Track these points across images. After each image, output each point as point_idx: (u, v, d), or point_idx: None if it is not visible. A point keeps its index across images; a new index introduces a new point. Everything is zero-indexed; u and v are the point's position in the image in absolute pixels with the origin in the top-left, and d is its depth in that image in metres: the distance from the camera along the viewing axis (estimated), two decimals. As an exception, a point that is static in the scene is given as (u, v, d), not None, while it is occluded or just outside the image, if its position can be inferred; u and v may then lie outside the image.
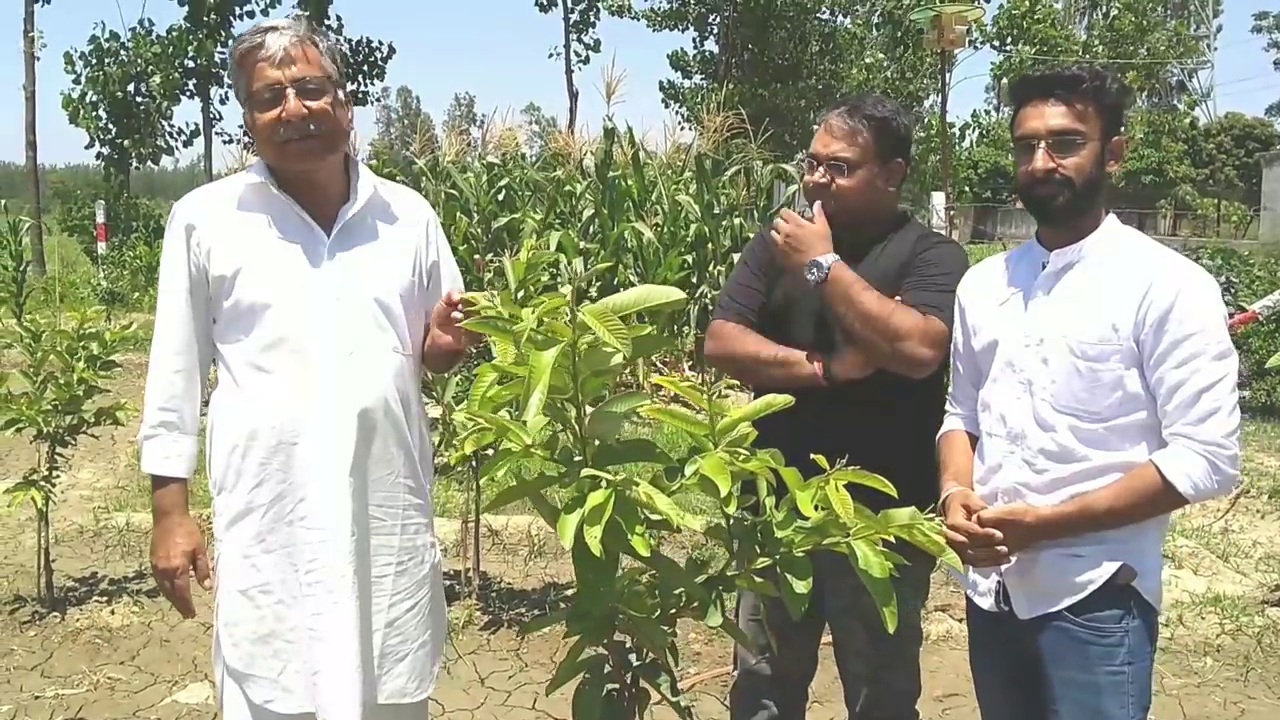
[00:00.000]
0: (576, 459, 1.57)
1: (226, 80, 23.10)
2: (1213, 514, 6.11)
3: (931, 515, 1.63)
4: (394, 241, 2.31)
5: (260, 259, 2.19)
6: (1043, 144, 2.13)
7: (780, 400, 1.64)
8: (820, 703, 3.56)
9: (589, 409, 1.60)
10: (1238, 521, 6.00)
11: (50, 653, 4.17)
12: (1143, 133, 38.03)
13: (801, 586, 1.58)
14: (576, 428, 1.56)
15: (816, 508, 1.54)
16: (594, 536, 1.41)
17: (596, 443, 1.61)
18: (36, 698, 3.80)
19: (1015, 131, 2.21)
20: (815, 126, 2.60)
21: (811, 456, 1.62)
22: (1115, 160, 2.18)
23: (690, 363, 9.65)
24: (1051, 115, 2.13)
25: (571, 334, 1.44)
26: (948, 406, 2.43)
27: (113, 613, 4.50)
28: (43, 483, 4.47)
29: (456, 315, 2.19)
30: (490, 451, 2.29)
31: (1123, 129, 2.23)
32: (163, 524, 2.26)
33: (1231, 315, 9.26)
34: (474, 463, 4.44)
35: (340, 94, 2.21)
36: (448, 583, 4.81)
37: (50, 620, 4.43)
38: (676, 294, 1.55)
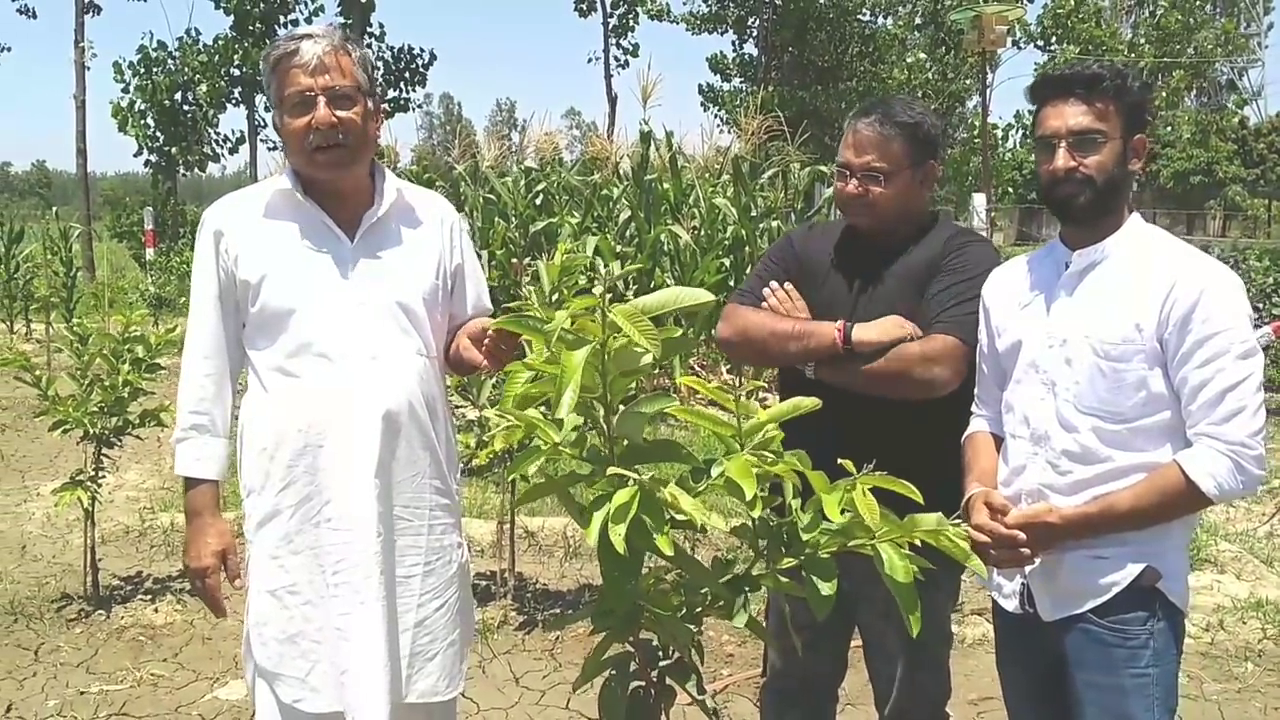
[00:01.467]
0: (604, 457, 1.59)
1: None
2: (1258, 519, 6.01)
3: (958, 521, 1.63)
4: (417, 245, 2.34)
5: (285, 265, 2.23)
6: (1064, 143, 2.12)
7: (808, 403, 1.64)
8: (853, 705, 3.56)
9: (620, 408, 1.62)
10: (1284, 527, 5.90)
11: (96, 650, 4.26)
12: (1190, 133, 37.41)
13: (826, 588, 1.59)
14: (605, 427, 1.58)
15: (843, 511, 1.55)
16: (618, 534, 1.42)
17: (626, 442, 1.63)
18: (82, 693, 3.88)
19: (1036, 131, 2.21)
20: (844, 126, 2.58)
21: (839, 461, 1.62)
22: (1138, 158, 2.17)
23: (729, 366, 9.64)
24: (1072, 114, 2.12)
25: (602, 333, 1.46)
26: (973, 408, 2.42)
27: (156, 611, 4.59)
28: (89, 483, 4.57)
29: (487, 342, 2.20)
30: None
31: (1147, 127, 2.20)
32: (194, 524, 2.31)
33: (1279, 317, 9.10)
34: (508, 462, 4.48)
35: (370, 104, 2.24)
36: (483, 583, 4.86)
37: (96, 618, 4.53)
38: (706, 296, 1.57)
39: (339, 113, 2.17)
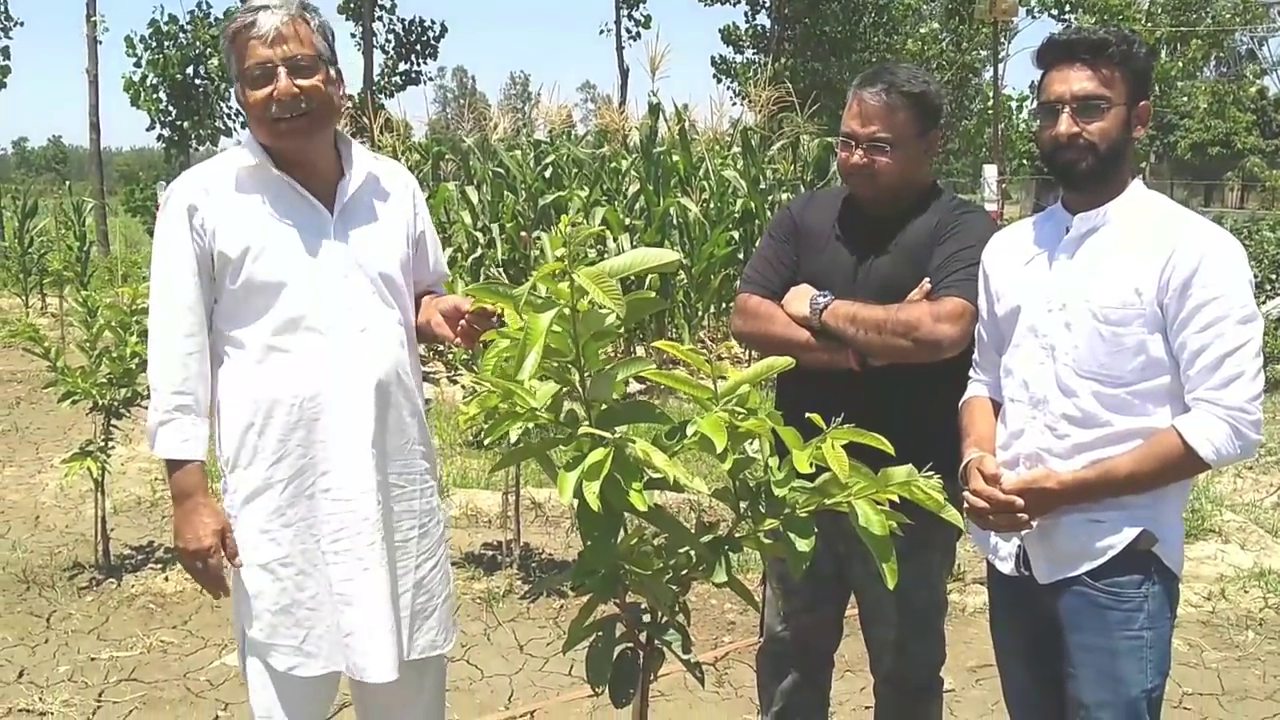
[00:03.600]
0: (581, 421, 1.61)
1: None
2: (1265, 489, 6.01)
3: (930, 473, 1.64)
4: (389, 215, 2.36)
5: (268, 239, 2.22)
6: (1068, 109, 2.11)
7: (780, 362, 1.66)
8: (852, 671, 3.59)
9: (597, 371, 1.64)
10: (1290, 496, 5.90)
11: (106, 617, 4.33)
12: (1207, 103, 36.97)
13: (804, 545, 1.61)
14: (580, 390, 1.59)
15: (814, 467, 1.56)
16: (592, 492, 1.45)
17: (604, 407, 1.65)
18: (92, 659, 3.95)
19: (1040, 96, 2.20)
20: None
21: (807, 416, 1.64)
22: (1141, 126, 2.16)
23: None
24: (1077, 80, 2.11)
25: (570, 297, 1.48)
26: (971, 373, 2.42)
27: (166, 579, 4.65)
28: (98, 453, 4.62)
29: (463, 323, 2.22)
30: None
31: (1151, 94, 2.19)
32: (186, 505, 2.25)
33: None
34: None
35: (331, 71, 2.23)
36: (490, 553, 4.91)
37: (107, 586, 4.60)
38: (671, 255, 1.58)
39: (300, 82, 2.16)
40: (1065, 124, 2.11)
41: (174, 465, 2.25)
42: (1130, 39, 2.13)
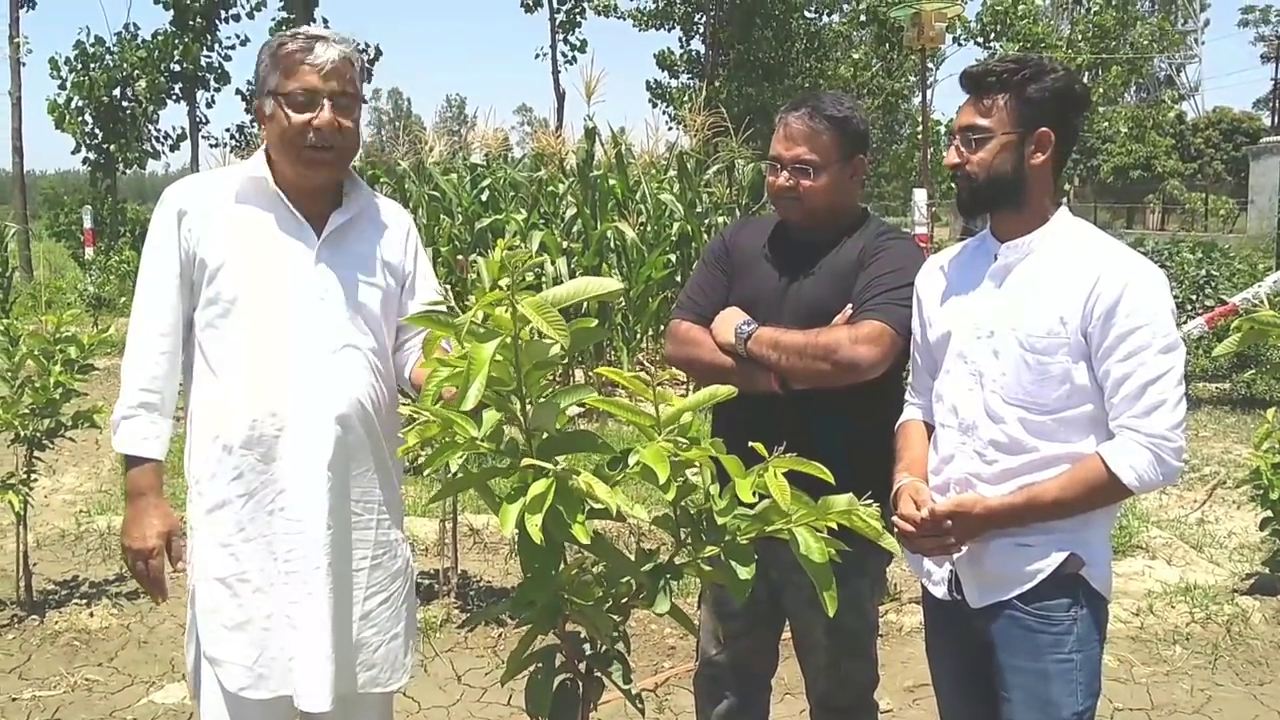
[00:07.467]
0: (522, 451, 1.60)
1: (213, 84, 23.09)
2: (1189, 505, 6.16)
3: (869, 501, 1.65)
4: (378, 249, 2.37)
5: (250, 252, 2.24)
6: (956, 139, 2.17)
7: (723, 391, 1.67)
8: (791, 694, 3.59)
9: (539, 400, 1.63)
10: (1213, 513, 6.05)
11: (29, 655, 4.19)
12: (1127, 128, 38.14)
13: (744, 573, 1.61)
14: (521, 420, 1.59)
15: (756, 495, 1.57)
16: (534, 524, 1.44)
17: (545, 436, 1.64)
18: (13, 699, 3.81)
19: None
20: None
21: (750, 444, 1.64)
22: (1041, 153, 2.15)
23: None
24: (965, 112, 2.18)
25: (513, 326, 1.47)
26: (907, 397, 2.45)
27: (91, 615, 4.52)
28: (20, 486, 4.49)
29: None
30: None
31: (1055, 118, 2.15)
32: (138, 504, 2.25)
33: (1212, 308, 9.32)
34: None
35: (360, 115, 2.30)
36: (427, 581, 4.84)
37: (29, 623, 4.45)
38: (615, 285, 1.59)
39: (341, 119, 2.22)
40: (950, 155, 2.19)
41: (132, 461, 2.26)
42: (1020, 69, 2.13)
